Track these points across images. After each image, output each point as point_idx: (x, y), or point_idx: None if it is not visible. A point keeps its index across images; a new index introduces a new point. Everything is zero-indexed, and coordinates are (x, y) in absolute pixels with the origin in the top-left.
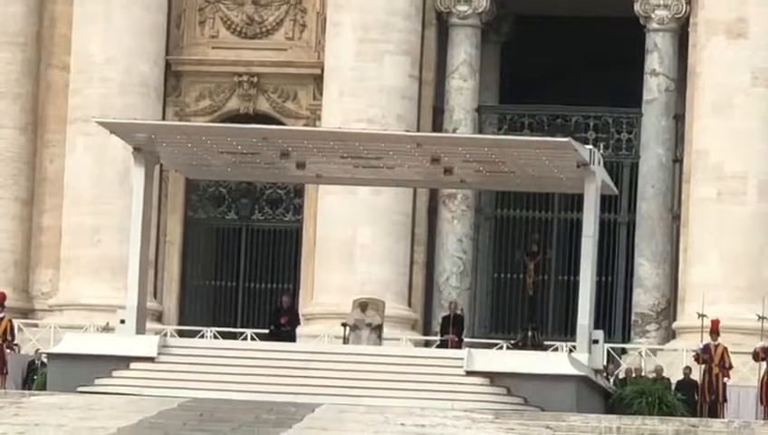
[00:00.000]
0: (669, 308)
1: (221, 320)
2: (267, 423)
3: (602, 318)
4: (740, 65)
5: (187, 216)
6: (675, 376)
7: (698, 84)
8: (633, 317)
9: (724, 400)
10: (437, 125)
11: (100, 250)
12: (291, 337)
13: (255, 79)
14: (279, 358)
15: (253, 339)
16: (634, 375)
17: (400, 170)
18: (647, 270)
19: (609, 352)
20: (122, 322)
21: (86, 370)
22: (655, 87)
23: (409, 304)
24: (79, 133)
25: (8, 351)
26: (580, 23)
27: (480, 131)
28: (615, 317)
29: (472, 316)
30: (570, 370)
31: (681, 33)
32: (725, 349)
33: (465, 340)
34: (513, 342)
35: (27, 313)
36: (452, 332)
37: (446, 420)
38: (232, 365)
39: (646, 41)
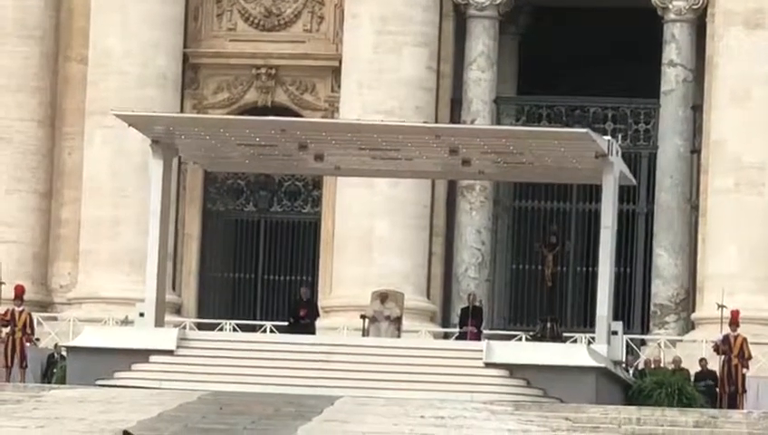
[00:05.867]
0: (688, 299)
1: (240, 312)
2: (287, 416)
3: (621, 309)
4: (758, 56)
5: (206, 208)
6: (694, 367)
7: (716, 75)
8: (652, 308)
9: (744, 391)
10: (455, 117)
11: (119, 243)
12: (310, 329)
13: (273, 71)
14: (298, 350)
15: (272, 331)
16: (653, 366)
17: (419, 162)
18: (665, 261)
19: (628, 343)
20: (141, 315)
21: (105, 363)
22: (673, 78)
23: (428, 296)
24: (97, 126)
25: (28, 344)
26: (597, 14)
27: (498, 123)
28: (634, 308)
29: (491, 308)
30: (589, 361)
31: (699, 24)
32: (745, 340)
33: (484, 331)
34: (531, 333)
35: (46, 306)
36: (471, 323)
37: (465, 412)
38: (251, 358)
39: (663, 32)
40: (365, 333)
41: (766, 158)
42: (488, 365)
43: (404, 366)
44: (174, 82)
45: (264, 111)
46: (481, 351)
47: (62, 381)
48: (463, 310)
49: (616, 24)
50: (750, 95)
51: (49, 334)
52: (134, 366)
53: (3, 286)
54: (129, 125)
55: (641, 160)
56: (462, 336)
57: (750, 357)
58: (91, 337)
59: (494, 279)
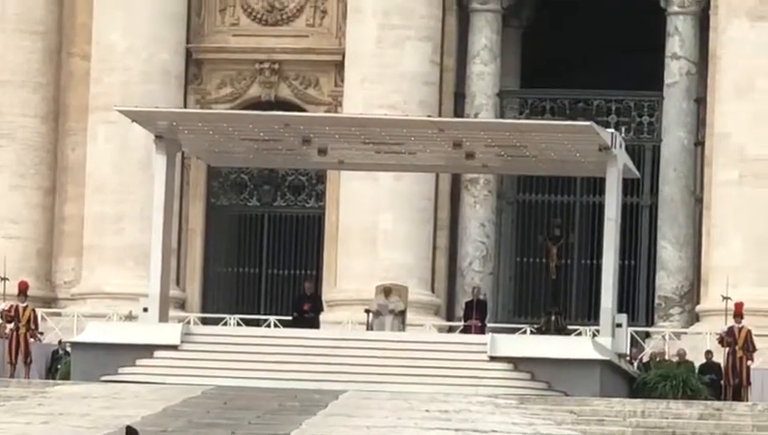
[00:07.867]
0: (692, 291)
1: (244, 307)
2: (291, 410)
3: (625, 302)
4: (761, 48)
5: (210, 203)
6: (698, 360)
7: (720, 67)
8: (656, 301)
9: (748, 383)
10: (459, 110)
11: (123, 238)
12: (314, 324)
13: (277, 66)
14: (303, 345)
15: (276, 326)
16: (658, 359)
17: (422, 156)
18: (669, 253)
19: (632, 335)
20: (145, 310)
21: (109, 359)
22: (676, 70)
23: (432, 290)
24: (100, 122)
25: (32, 340)
26: (600, 7)
27: (501, 116)
28: (638, 301)
29: (495, 301)
30: (593, 354)
31: (702, 17)
32: (749, 332)
33: (489, 325)
34: (536, 326)
35: (50, 302)
36: (475, 317)
37: (470, 406)
38: (255, 353)
39: (667, 24)
40: (369, 327)
41: None
42: (493, 359)
43: (408, 360)
44: (177, 77)
45: (267, 105)
46: (485, 344)
47: (66, 376)
48: (467, 303)
49: (619, 17)
50: (754, 87)
51: (53, 330)
52: (138, 361)
53: (7, 282)
54: (133, 121)
55: (645, 153)
56: (466, 330)
57: (755, 349)
58: (95, 333)
59: (498, 272)
